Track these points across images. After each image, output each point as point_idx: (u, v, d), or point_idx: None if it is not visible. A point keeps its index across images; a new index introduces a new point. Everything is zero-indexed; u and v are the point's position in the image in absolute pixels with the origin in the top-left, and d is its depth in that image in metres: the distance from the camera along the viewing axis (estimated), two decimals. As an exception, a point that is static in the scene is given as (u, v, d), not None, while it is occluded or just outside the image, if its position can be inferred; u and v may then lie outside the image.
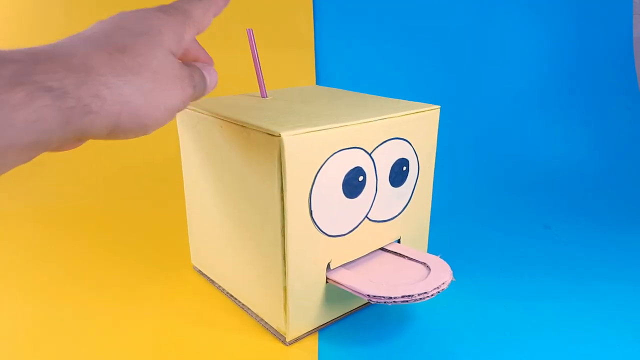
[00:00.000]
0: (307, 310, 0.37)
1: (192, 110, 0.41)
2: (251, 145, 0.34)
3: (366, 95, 0.46)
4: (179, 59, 0.29)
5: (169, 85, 0.27)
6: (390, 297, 0.34)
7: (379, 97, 0.45)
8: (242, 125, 0.35)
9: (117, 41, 0.25)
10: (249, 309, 0.41)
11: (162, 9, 0.29)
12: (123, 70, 0.24)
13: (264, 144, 0.33)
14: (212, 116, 0.38)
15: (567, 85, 0.86)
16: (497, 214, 0.62)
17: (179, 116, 0.43)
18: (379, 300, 0.34)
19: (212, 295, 0.44)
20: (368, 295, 0.34)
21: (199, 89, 0.30)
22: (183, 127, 0.43)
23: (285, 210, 0.33)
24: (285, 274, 0.35)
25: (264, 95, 0.44)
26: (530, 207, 0.64)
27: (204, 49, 0.34)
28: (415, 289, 0.35)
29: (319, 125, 0.33)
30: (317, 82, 0.80)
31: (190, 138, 0.42)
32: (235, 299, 0.42)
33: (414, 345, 0.37)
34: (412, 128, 0.39)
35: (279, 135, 0.31)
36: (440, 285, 0.35)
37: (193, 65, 0.31)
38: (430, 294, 0.34)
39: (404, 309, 0.42)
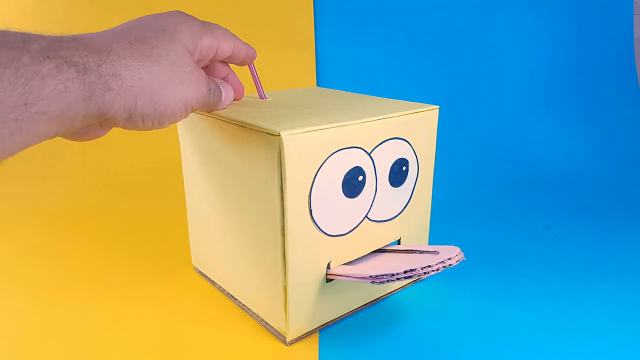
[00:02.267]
0: (307, 310, 0.37)
1: None
2: (251, 145, 0.34)
3: (366, 95, 0.46)
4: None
5: (184, 79, 0.29)
6: (393, 274, 0.33)
7: (379, 97, 0.45)
8: (242, 126, 0.35)
9: (137, 33, 0.28)
10: (249, 309, 0.41)
11: (186, 14, 0.31)
12: (142, 57, 0.27)
13: (263, 144, 0.33)
14: (211, 117, 0.38)
15: (568, 86, 0.86)
16: (498, 214, 0.62)
17: None
18: (382, 280, 0.33)
19: (212, 295, 0.44)
20: (370, 277, 0.33)
21: (214, 96, 0.33)
22: (183, 128, 0.43)
23: (285, 209, 0.33)
24: (285, 273, 0.35)
25: (262, 97, 0.44)
26: (530, 208, 0.64)
27: (236, 77, 0.38)
28: (418, 264, 0.33)
29: (319, 125, 0.33)
30: (318, 83, 0.80)
31: (190, 139, 0.42)
32: (236, 299, 0.42)
33: (415, 345, 0.37)
34: (411, 128, 0.39)
35: (279, 135, 0.31)
36: (445, 260, 0.33)
37: (212, 77, 0.33)
38: (435, 267, 0.32)
39: (404, 309, 0.42)
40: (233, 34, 0.35)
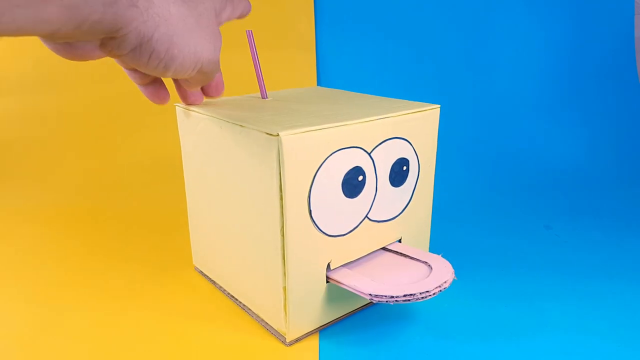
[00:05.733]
0: (307, 311, 0.37)
1: (192, 110, 0.41)
2: (250, 145, 0.34)
3: (366, 95, 0.46)
4: None
5: (206, 35, 0.27)
6: (392, 296, 0.34)
7: (379, 97, 0.45)
8: (241, 125, 0.35)
9: None
10: (249, 309, 0.41)
11: None
12: None
13: (262, 144, 0.33)
14: (212, 116, 0.38)
15: (568, 86, 0.86)
16: (498, 214, 0.62)
17: (180, 116, 0.43)
18: (380, 300, 0.34)
19: (213, 295, 0.44)
20: (370, 295, 0.34)
21: (216, 68, 0.32)
22: (184, 128, 0.43)
23: (284, 210, 0.33)
24: (284, 274, 0.35)
25: (264, 96, 0.44)
26: (531, 207, 0.64)
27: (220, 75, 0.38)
28: (417, 288, 0.35)
29: (318, 125, 0.33)
30: (318, 83, 0.80)
31: (191, 138, 0.42)
32: (236, 299, 0.42)
33: (415, 345, 0.37)
34: (412, 127, 0.39)
35: (278, 135, 0.31)
36: (442, 284, 0.35)
37: None
38: (432, 292, 0.34)
39: (404, 309, 0.42)
40: None
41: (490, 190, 0.70)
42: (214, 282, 0.45)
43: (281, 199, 0.33)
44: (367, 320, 0.40)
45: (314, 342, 0.37)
